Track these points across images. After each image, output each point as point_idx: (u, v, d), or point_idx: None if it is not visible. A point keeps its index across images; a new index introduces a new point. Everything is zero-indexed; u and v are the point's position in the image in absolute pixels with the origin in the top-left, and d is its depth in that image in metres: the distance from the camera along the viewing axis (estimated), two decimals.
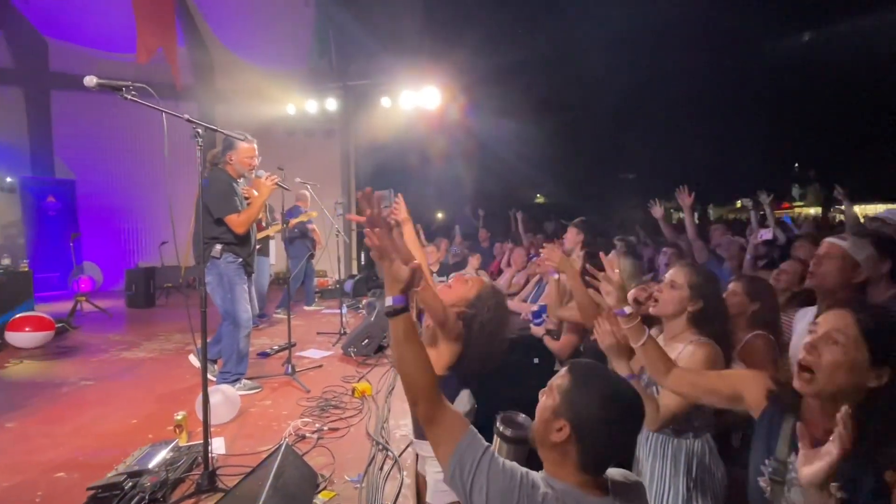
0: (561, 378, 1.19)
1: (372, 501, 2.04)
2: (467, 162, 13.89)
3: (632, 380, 1.90)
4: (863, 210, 18.79)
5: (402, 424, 2.83)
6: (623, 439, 1.15)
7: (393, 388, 3.52)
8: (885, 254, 2.18)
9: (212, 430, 2.76)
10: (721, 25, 14.53)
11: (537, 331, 3.17)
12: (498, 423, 1.63)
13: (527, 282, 5.18)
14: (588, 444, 1.10)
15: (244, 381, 3.52)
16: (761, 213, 4.90)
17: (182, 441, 2.53)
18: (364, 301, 6.65)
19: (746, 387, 1.43)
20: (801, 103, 15.84)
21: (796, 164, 22.51)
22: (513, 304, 4.50)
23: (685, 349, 1.85)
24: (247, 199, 3.61)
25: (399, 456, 2.41)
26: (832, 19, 14.51)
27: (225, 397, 2.91)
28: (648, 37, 14.87)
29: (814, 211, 20.46)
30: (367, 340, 4.46)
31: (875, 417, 1.09)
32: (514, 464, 1.11)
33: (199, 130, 2.08)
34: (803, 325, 2.19)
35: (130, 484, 2.05)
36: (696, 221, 4.83)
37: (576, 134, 15.22)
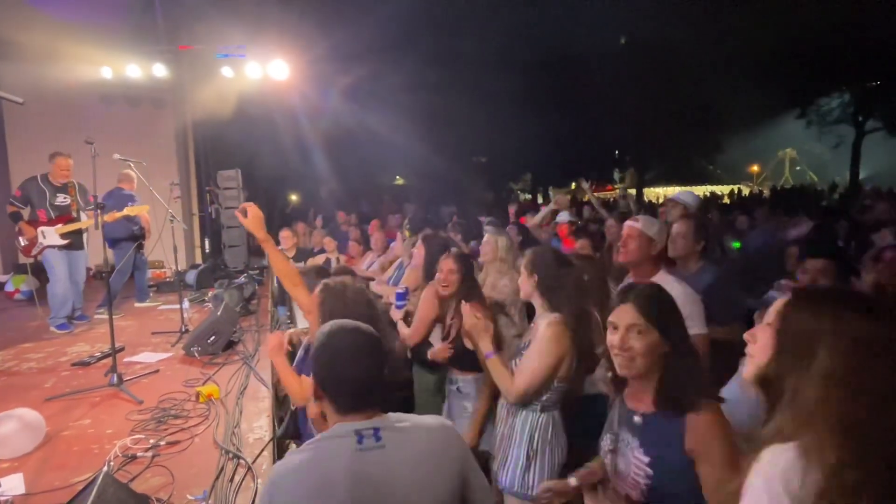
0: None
1: None
2: (323, 141, 13.29)
3: (493, 356, 1.99)
4: (664, 191, 22.51)
5: (255, 427, 2.62)
6: (350, 380, 1.24)
7: (245, 387, 3.24)
8: (699, 235, 2.69)
9: (7, 465, 2.27)
10: (557, 29, 16.11)
11: (396, 314, 3.16)
12: None
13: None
14: (327, 390, 1.25)
15: None
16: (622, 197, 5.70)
17: None
18: (210, 293, 6.01)
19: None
20: (622, 97, 18.23)
21: (616, 151, 25.85)
22: (375, 286, 4.45)
23: (538, 332, 2.00)
24: None
25: (253, 462, 2.23)
26: (645, 27, 16.93)
27: (22, 423, 2.38)
28: (497, 25, 15.71)
29: (630, 192, 23.81)
30: (213, 337, 4.02)
31: (670, 379, 1.37)
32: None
33: None
34: None
35: None
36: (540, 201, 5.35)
37: (432, 116, 15.50)
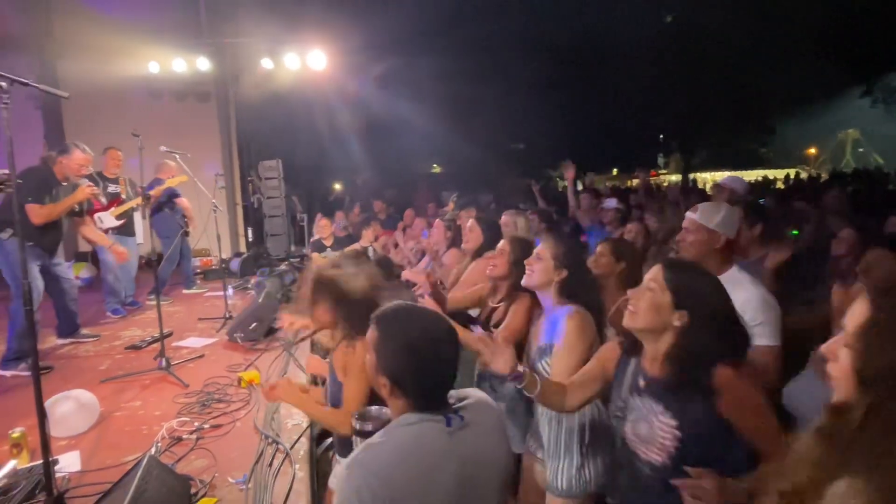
0: (371, 332, 1.20)
1: (259, 502, 1.88)
2: (360, 130, 13.40)
3: (524, 382, 1.82)
4: (712, 177, 21.51)
5: (294, 413, 2.66)
6: (439, 372, 1.17)
7: (285, 374, 3.31)
8: (755, 220, 2.46)
9: (64, 443, 2.40)
10: (597, 11, 15.53)
11: (428, 302, 3.12)
12: (354, 422, 1.53)
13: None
14: (409, 388, 1.14)
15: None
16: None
17: (22, 462, 2.14)
18: (253, 281, 6.18)
19: (607, 357, 1.60)
20: (665, 78, 17.46)
21: (661, 136, 24.86)
22: (407, 273, 4.44)
23: (560, 327, 1.91)
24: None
25: (291, 448, 2.26)
26: (690, 5, 16.11)
27: (79, 404, 2.51)
28: (534, 9, 15.31)
29: (675, 178, 22.89)
30: (255, 324, 4.14)
31: (681, 348, 1.35)
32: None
33: (3, 84, 1.67)
34: None
35: None
36: (580, 188, 5.16)
37: (469, 103, 15.34)
